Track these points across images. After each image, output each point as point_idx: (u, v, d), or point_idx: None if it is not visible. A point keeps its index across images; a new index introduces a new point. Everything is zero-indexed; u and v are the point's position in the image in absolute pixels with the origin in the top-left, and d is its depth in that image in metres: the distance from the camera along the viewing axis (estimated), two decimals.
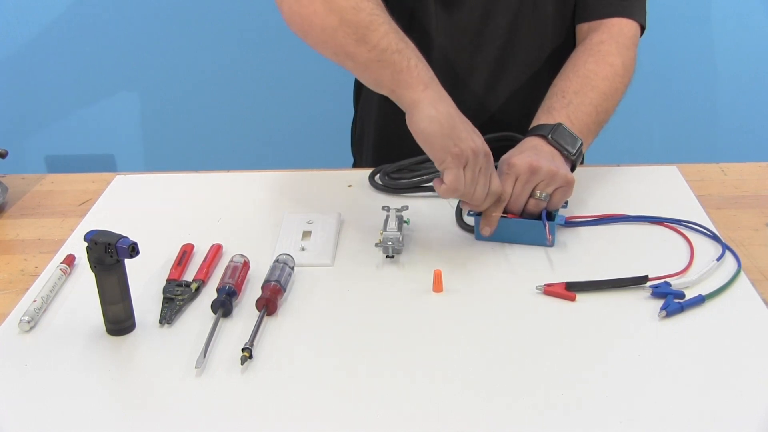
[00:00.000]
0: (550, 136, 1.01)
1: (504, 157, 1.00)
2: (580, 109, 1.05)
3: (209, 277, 0.94)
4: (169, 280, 0.92)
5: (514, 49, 1.20)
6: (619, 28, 1.14)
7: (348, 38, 0.92)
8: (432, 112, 0.90)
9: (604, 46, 1.11)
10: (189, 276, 0.94)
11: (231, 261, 0.93)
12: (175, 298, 0.89)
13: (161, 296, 0.90)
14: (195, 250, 0.99)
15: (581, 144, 1.02)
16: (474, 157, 0.90)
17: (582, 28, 1.18)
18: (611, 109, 1.10)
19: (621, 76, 1.10)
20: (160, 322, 0.86)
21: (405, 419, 0.72)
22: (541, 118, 1.05)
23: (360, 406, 0.74)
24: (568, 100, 1.06)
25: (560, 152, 1.01)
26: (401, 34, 0.94)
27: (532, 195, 0.97)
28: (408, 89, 0.91)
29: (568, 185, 0.98)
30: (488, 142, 1.15)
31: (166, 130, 1.91)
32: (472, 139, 0.91)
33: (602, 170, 1.17)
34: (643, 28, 1.17)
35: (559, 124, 1.02)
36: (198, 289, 0.91)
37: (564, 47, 1.20)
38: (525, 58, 1.21)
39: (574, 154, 1.01)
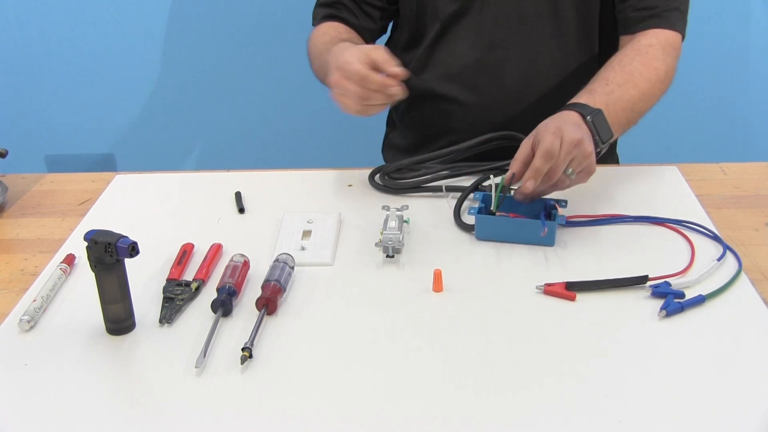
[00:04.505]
0: (589, 118, 1.01)
1: (547, 121, 0.99)
2: (619, 103, 1.06)
3: (209, 277, 0.94)
4: (169, 280, 0.92)
5: (539, 58, 1.23)
6: (666, 36, 1.16)
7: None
8: None
9: (653, 50, 1.13)
10: (189, 276, 0.94)
11: (231, 260, 0.93)
12: (175, 297, 0.89)
13: (161, 296, 0.90)
14: (195, 249, 0.99)
15: (610, 138, 1.03)
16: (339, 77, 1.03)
17: (625, 39, 1.19)
18: (644, 111, 1.12)
19: (661, 81, 1.13)
20: (160, 321, 0.86)
21: (405, 418, 0.72)
22: (582, 97, 1.06)
23: (360, 406, 0.74)
24: (611, 89, 1.07)
25: (592, 137, 1.01)
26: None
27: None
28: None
29: (590, 173, 0.99)
30: (490, 140, 1.17)
31: (166, 129, 1.91)
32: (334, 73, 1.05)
33: (602, 170, 1.17)
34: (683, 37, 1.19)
35: (600, 111, 1.03)
36: (198, 289, 0.91)
37: (587, 54, 1.24)
38: (549, 68, 1.24)
39: (602, 144, 1.02)
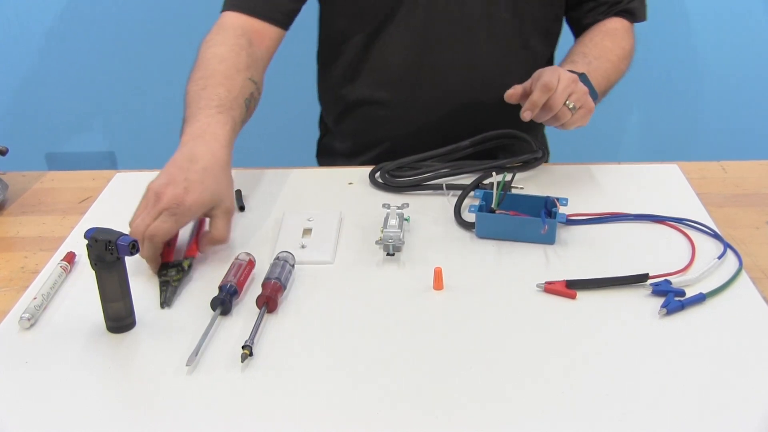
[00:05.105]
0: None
1: (544, 68, 1.07)
2: (598, 72, 1.14)
3: (198, 252, 0.95)
4: (162, 264, 0.92)
5: (477, 60, 1.22)
6: (627, 24, 1.26)
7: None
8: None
9: (619, 33, 1.23)
10: (180, 256, 0.94)
11: (236, 258, 0.93)
12: (170, 279, 0.89)
13: (157, 281, 0.90)
14: (181, 231, 0.96)
15: (595, 100, 1.09)
16: (154, 198, 0.90)
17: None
18: (614, 83, 1.20)
19: (626, 59, 1.22)
20: (161, 306, 0.86)
21: (405, 417, 0.72)
22: (565, 66, 1.12)
23: (360, 404, 0.74)
24: (589, 60, 1.16)
25: None
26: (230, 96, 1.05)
27: (564, 103, 1.03)
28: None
29: (589, 112, 1.06)
30: (491, 138, 1.17)
31: (167, 127, 1.90)
32: (169, 186, 0.90)
33: (603, 168, 1.17)
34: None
35: (585, 74, 1.09)
36: (190, 266, 0.91)
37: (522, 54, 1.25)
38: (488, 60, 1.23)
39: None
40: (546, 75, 1.02)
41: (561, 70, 1.05)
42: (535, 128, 1.25)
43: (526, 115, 1.04)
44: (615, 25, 1.24)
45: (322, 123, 1.41)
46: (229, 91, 1.05)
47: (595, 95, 1.09)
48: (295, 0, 1.19)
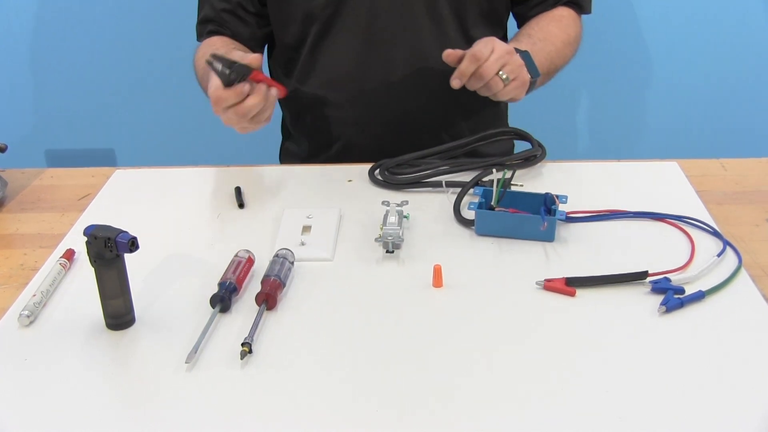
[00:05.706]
0: (518, 55, 1.10)
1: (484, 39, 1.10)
2: (542, 53, 1.18)
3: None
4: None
5: (423, 54, 1.22)
6: (574, 14, 1.30)
7: None
8: None
9: (565, 20, 1.27)
10: None
11: (235, 256, 0.93)
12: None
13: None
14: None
15: (537, 77, 1.12)
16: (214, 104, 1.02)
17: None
18: (559, 68, 1.24)
19: (572, 45, 1.26)
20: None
21: (405, 414, 0.72)
22: (510, 45, 1.13)
23: (360, 401, 0.74)
24: (534, 41, 1.19)
25: None
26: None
27: (497, 72, 1.06)
28: None
29: (523, 84, 1.09)
30: (491, 136, 1.17)
31: (166, 124, 1.91)
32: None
33: (602, 166, 1.17)
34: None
35: (527, 51, 1.13)
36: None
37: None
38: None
39: (531, 78, 1.11)
40: (478, 45, 1.06)
41: (497, 41, 1.07)
42: (501, 118, 1.33)
43: (454, 83, 1.07)
44: (562, 12, 1.28)
45: (284, 127, 1.43)
46: (216, 47, 1.18)
47: (536, 73, 1.11)
48: (250, 25, 1.26)
